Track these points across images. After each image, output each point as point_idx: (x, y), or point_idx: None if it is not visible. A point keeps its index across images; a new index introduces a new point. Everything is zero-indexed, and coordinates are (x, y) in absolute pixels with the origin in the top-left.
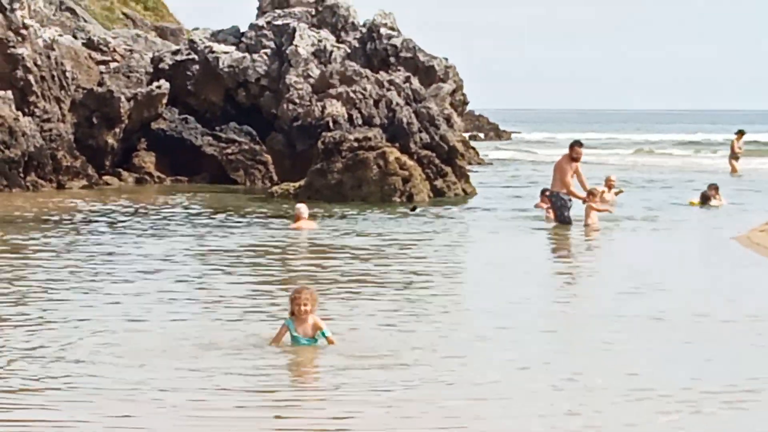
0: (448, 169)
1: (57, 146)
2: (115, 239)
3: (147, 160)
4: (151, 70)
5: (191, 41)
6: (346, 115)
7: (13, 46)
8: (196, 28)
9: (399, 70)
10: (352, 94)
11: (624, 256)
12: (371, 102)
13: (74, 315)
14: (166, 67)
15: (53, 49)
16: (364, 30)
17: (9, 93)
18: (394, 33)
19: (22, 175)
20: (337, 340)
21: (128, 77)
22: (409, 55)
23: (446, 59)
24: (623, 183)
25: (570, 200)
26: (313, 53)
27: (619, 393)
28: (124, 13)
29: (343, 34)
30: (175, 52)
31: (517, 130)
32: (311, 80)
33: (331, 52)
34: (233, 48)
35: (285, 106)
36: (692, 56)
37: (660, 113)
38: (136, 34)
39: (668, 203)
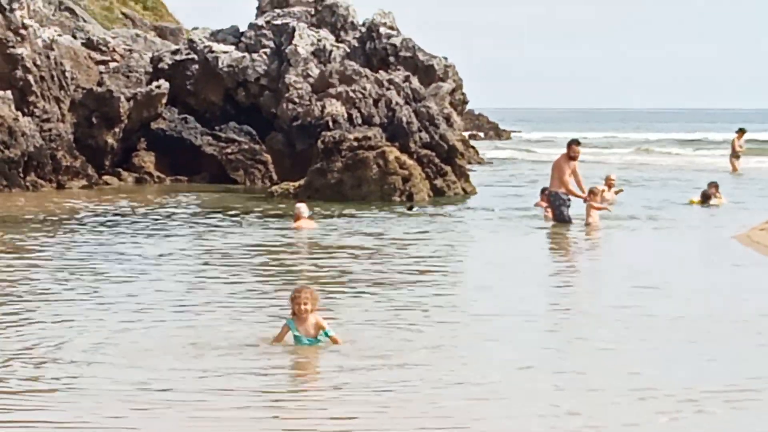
0: (448, 169)
1: (57, 146)
2: (114, 239)
3: (147, 159)
4: (151, 69)
5: (191, 41)
6: (345, 115)
7: (13, 46)
8: (196, 28)
9: (398, 70)
10: (351, 94)
11: (624, 256)
12: (371, 101)
13: (73, 315)
14: (166, 66)
15: (53, 49)
16: (363, 29)
17: (8, 93)
18: (394, 32)
19: (21, 175)
20: (338, 340)
21: (128, 77)
22: (408, 54)
23: (446, 58)
24: (623, 182)
25: (569, 199)
26: (313, 53)
27: (619, 393)
28: (123, 13)
29: (342, 33)
30: (175, 52)
31: (517, 129)
32: (311, 80)
33: (331, 51)
34: (233, 48)
35: (284, 105)
36: (692, 55)
37: (659, 112)
38: (135, 33)
39: (668, 202)
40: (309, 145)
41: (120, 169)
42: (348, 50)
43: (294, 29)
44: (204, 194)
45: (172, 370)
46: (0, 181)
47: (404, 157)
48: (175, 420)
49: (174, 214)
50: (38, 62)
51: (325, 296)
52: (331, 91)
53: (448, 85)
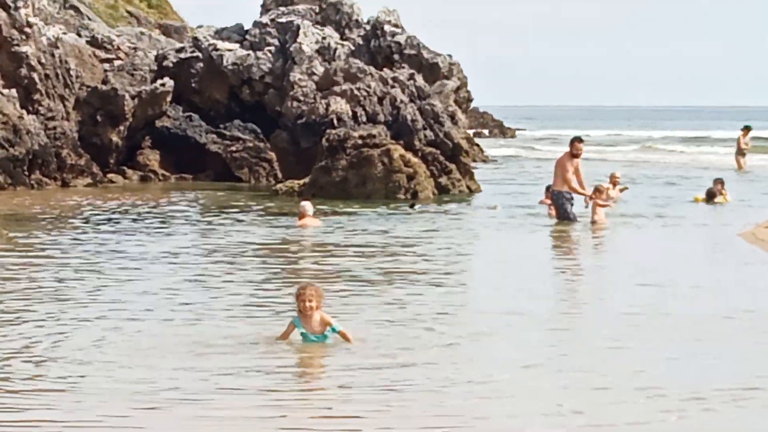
0: (453, 166)
1: (61, 144)
2: (118, 237)
3: (151, 158)
4: (155, 67)
5: (195, 39)
6: (350, 113)
7: (17, 44)
8: (200, 26)
9: (403, 68)
10: (356, 92)
11: (630, 254)
12: (375, 99)
13: (78, 314)
14: (170, 64)
15: (57, 47)
16: (368, 27)
17: (13, 91)
18: (398, 30)
19: (26, 173)
20: (336, 339)
21: (132, 75)
22: (413, 52)
23: (450, 56)
24: (627, 179)
25: (572, 196)
26: (317, 50)
27: (624, 391)
28: (128, 11)
29: (347, 31)
30: (179, 50)
31: (522, 127)
32: (315, 77)
33: (335, 49)
34: (237, 45)
35: (289, 103)
36: (697, 53)
37: (663, 110)
38: (140, 31)
39: (673, 199)
40: (314, 143)
41: (125, 167)
42: (352, 48)
43: (298, 27)
44: (209, 192)
45: (176, 369)
46: (5, 179)
47: (409, 155)
48: (179, 419)
49: (178, 212)
50: (43, 60)
51: (329, 294)
52: (336, 89)
53: (452, 83)
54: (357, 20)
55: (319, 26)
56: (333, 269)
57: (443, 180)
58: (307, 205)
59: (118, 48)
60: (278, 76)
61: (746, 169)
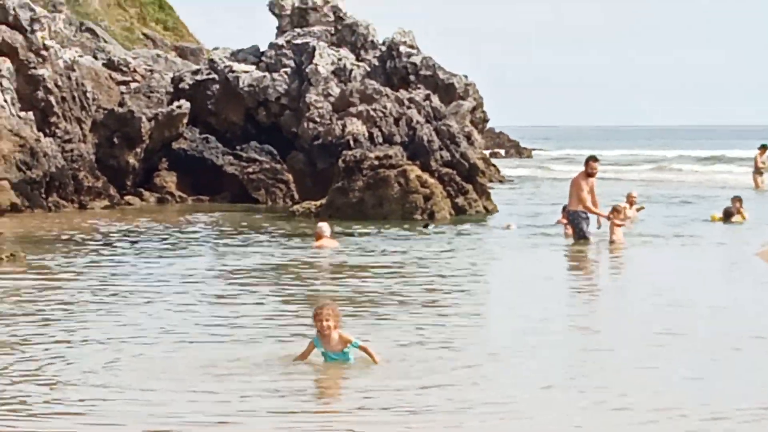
0: (469, 187)
1: (78, 166)
2: (136, 259)
3: (168, 179)
4: (172, 89)
5: (211, 61)
6: (366, 134)
7: (34, 67)
8: (216, 48)
9: (419, 88)
10: (372, 113)
11: (648, 273)
12: (391, 120)
13: (95, 336)
14: (187, 86)
15: (74, 70)
16: (383, 48)
17: (30, 114)
18: (414, 51)
19: (43, 195)
20: (357, 361)
21: (149, 97)
22: (428, 72)
23: (466, 77)
24: (644, 199)
25: (588, 216)
26: (333, 72)
27: (644, 411)
28: (144, 34)
29: (362, 52)
30: (196, 72)
31: (538, 147)
32: (331, 99)
33: (351, 70)
34: (253, 67)
35: (305, 124)
36: (701, 62)
37: (678, 129)
38: (156, 54)
39: (690, 219)
40: (330, 164)
41: (142, 189)
42: (368, 69)
43: (314, 48)
44: (225, 214)
45: (193, 391)
46: (22, 201)
47: (425, 176)
48: None
49: (195, 233)
50: (60, 83)
51: (346, 315)
52: (352, 110)
53: (468, 104)
54: (372, 41)
55: (334, 47)
56: (350, 290)
57: (460, 200)
58: (324, 226)
59: (135, 70)
60: (294, 97)
61: (764, 188)
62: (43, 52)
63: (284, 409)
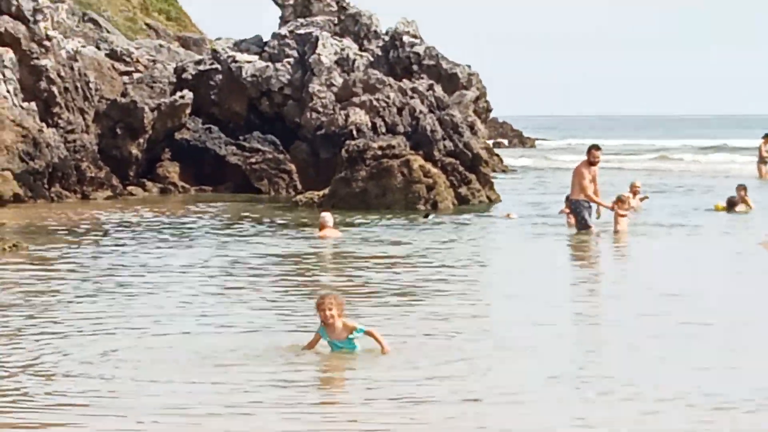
0: (473, 177)
1: (81, 157)
2: (139, 250)
3: (171, 170)
4: (175, 80)
5: (214, 51)
6: (369, 124)
7: (37, 58)
8: (219, 38)
9: (422, 78)
10: (375, 102)
11: (652, 263)
12: (394, 110)
13: (97, 328)
14: (190, 77)
15: (76, 60)
16: (386, 38)
17: (33, 104)
18: (417, 41)
19: (46, 186)
20: (364, 351)
21: (151, 87)
22: (432, 62)
23: (469, 66)
24: (647, 189)
25: (590, 204)
26: (336, 62)
27: (650, 402)
28: (147, 24)
29: (365, 42)
30: (198, 62)
31: (541, 137)
32: (334, 89)
33: (354, 60)
34: (256, 57)
35: (308, 114)
36: (704, 52)
37: (681, 119)
38: (159, 44)
39: (693, 208)
40: (333, 154)
41: (144, 180)
42: (371, 59)
43: (317, 38)
44: (228, 204)
45: (197, 382)
46: (25, 192)
47: (428, 166)
48: None
49: (198, 224)
50: (62, 73)
51: (350, 306)
52: (355, 100)
53: (471, 93)
54: (376, 31)
55: (337, 37)
56: (354, 281)
57: (463, 190)
58: (327, 216)
59: (137, 61)
60: (297, 87)
61: None
62: (46, 43)
63: (288, 400)
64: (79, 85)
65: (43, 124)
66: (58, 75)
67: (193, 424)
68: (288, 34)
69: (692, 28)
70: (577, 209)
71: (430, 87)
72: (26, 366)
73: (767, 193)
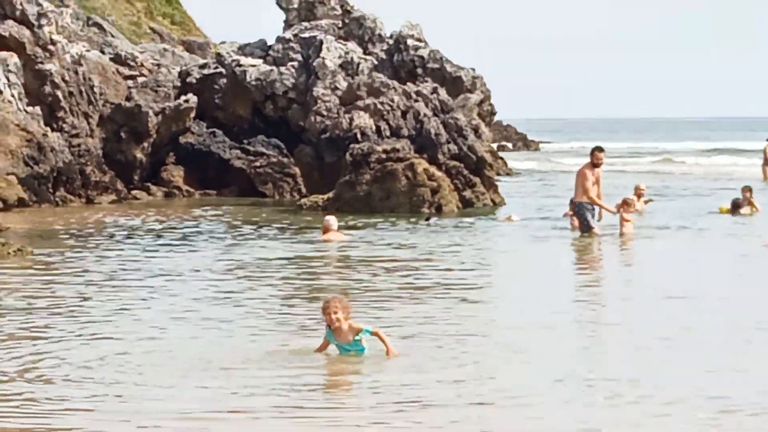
0: (477, 180)
1: (86, 161)
2: (143, 254)
3: (175, 174)
4: (179, 84)
5: (218, 55)
6: (373, 127)
7: (41, 62)
8: (223, 42)
9: (426, 81)
10: (379, 106)
11: (658, 266)
12: (399, 113)
13: (101, 331)
14: (194, 81)
15: (81, 65)
16: (390, 41)
17: (37, 109)
18: (421, 44)
19: (51, 190)
20: (371, 355)
21: (156, 91)
22: (436, 66)
23: (473, 69)
24: (651, 191)
25: (592, 207)
26: (340, 65)
27: (656, 404)
28: (151, 28)
29: (369, 45)
30: (203, 66)
31: (545, 140)
32: (339, 92)
33: (358, 63)
34: (260, 61)
35: (313, 118)
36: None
37: (684, 121)
38: (163, 48)
39: (698, 211)
40: (337, 157)
41: (149, 184)
42: (375, 62)
43: (321, 42)
44: (233, 208)
45: (200, 387)
46: (29, 196)
47: (433, 169)
48: None
49: (203, 228)
50: (67, 78)
51: (354, 309)
52: (359, 103)
53: (476, 97)
54: (380, 35)
55: (342, 41)
56: (358, 284)
57: (467, 193)
58: (332, 220)
59: (142, 65)
60: (302, 91)
61: None
62: (50, 47)
63: (292, 404)
64: (83, 89)
65: (48, 129)
66: (63, 79)
67: (199, 428)
68: (292, 38)
69: (694, 30)
70: (580, 211)
71: (435, 90)
72: (29, 370)
73: None
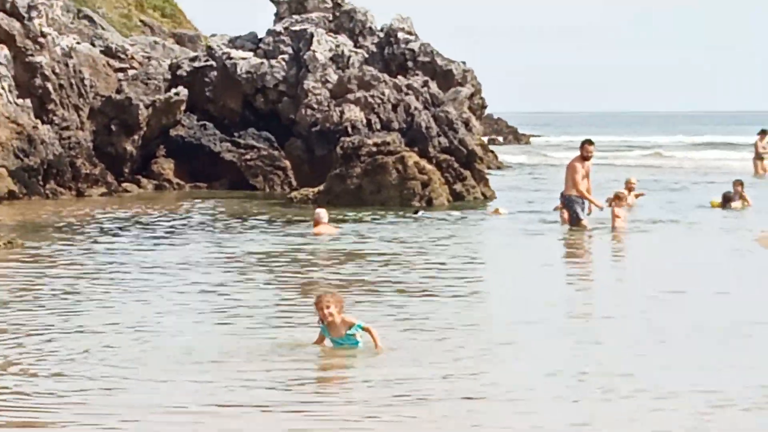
0: (467, 173)
1: (76, 154)
2: (133, 246)
3: (166, 166)
4: (169, 76)
5: (209, 48)
6: (364, 120)
7: (32, 55)
8: (214, 35)
9: (417, 75)
10: (370, 99)
11: (649, 260)
12: (389, 106)
13: (92, 325)
14: (184, 73)
15: (71, 57)
16: (381, 35)
17: (28, 101)
18: (412, 37)
19: (41, 183)
20: (364, 349)
21: (146, 84)
22: (426, 59)
23: (464, 63)
24: (642, 185)
25: (582, 200)
26: (331, 58)
27: (649, 399)
28: (141, 21)
29: (360, 39)
30: (193, 59)
31: (537, 133)
32: (329, 85)
33: (349, 57)
34: (251, 54)
35: (303, 111)
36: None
37: (674, 115)
38: (153, 41)
39: (689, 205)
40: (328, 150)
41: (139, 177)
42: (366, 56)
43: (312, 35)
44: (223, 201)
45: (191, 381)
46: (20, 189)
47: (423, 162)
48: None
49: (193, 221)
50: (57, 70)
51: (346, 302)
52: (350, 96)
53: (466, 90)
54: (370, 28)
55: (332, 34)
56: (348, 277)
57: (458, 187)
58: (322, 213)
59: (132, 57)
60: (292, 84)
61: (763, 173)
62: (41, 39)
63: (283, 398)
64: (73, 81)
65: (38, 121)
66: (53, 72)
67: (189, 422)
68: (283, 31)
69: (686, 24)
70: (569, 204)
71: (425, 84)
72: (19, 364)
73: (762, 189)
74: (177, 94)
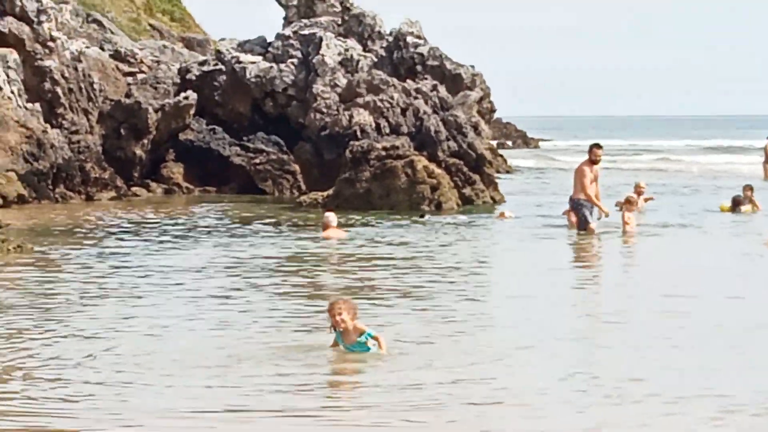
0: (477, 177)
1: (85, 158)
2: (142, 251)
3: (175, 170)
4: (179, 81)
5: (218, 52)
6: (373, 124)
7: (41, 59)
8: (223, 39)
9: (426, 79)
10: (379, 103)
11: (659, 264)
12: (398, 110)
13: (101, 329)
14: (194, 77)
15: (80, 61)
16: (390, 39)
17: (37, 105)
18: (421, 41)
19: (50, 187)
20: (372, 354)
21: (155, 88)
22: (435, 63)
23: (473, 67)
24: (652, 190)
25: (591, 204)
26: (340, 62)
27: (661, 403)
28: (150, 25)
29: (369, 43)
30: (202, 63)
31: (546, 137)
32: (338, 89)
33: (358, 61)
34: (260, 58)
35: (312, 115)
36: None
37: (683, 119)
38: (163, 45)
39: (699, 209)
40: (337, 154)
41: (149, 181)
42: (375, 59)
43: (321, 39)
44: (232, 205)
45: (200, 386)
46: (29, 193)
47: (432, 166)
48: None
49: (202, 225)
50: (66, 74)
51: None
52: (359, 100)
53: (475, 94)
54: (379, 32)
55: (341, 38)
56: (358, 281)
57: (467, 191)
58: (331, 217)
59: (141, 61)
60: (301, 88)
61: None
62: (50, 44)
63: (290, 404)
64: (83, 85)
65: (47, 125)
66: (62, 76)
67: (195, 427)
68: (292, 35)
69: (695, 27)
70: (578, 208)
71: (434, 87)
72: (29, 368)
73: None
74: (186, 98)
